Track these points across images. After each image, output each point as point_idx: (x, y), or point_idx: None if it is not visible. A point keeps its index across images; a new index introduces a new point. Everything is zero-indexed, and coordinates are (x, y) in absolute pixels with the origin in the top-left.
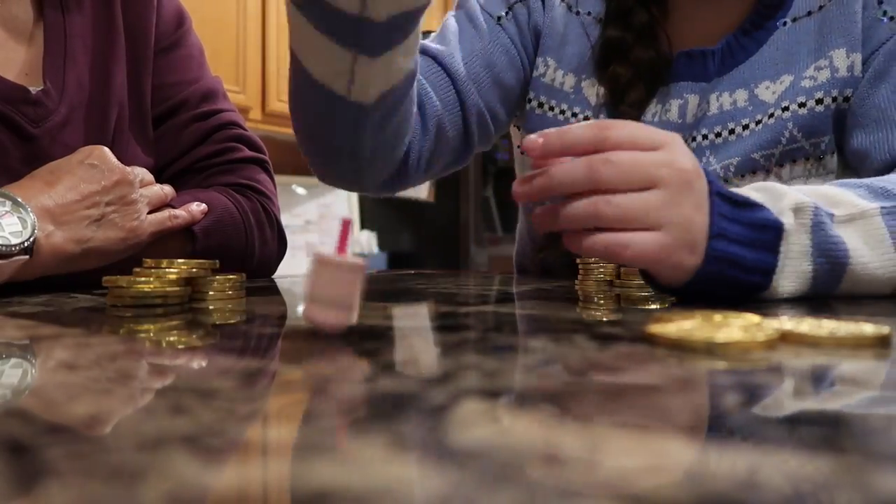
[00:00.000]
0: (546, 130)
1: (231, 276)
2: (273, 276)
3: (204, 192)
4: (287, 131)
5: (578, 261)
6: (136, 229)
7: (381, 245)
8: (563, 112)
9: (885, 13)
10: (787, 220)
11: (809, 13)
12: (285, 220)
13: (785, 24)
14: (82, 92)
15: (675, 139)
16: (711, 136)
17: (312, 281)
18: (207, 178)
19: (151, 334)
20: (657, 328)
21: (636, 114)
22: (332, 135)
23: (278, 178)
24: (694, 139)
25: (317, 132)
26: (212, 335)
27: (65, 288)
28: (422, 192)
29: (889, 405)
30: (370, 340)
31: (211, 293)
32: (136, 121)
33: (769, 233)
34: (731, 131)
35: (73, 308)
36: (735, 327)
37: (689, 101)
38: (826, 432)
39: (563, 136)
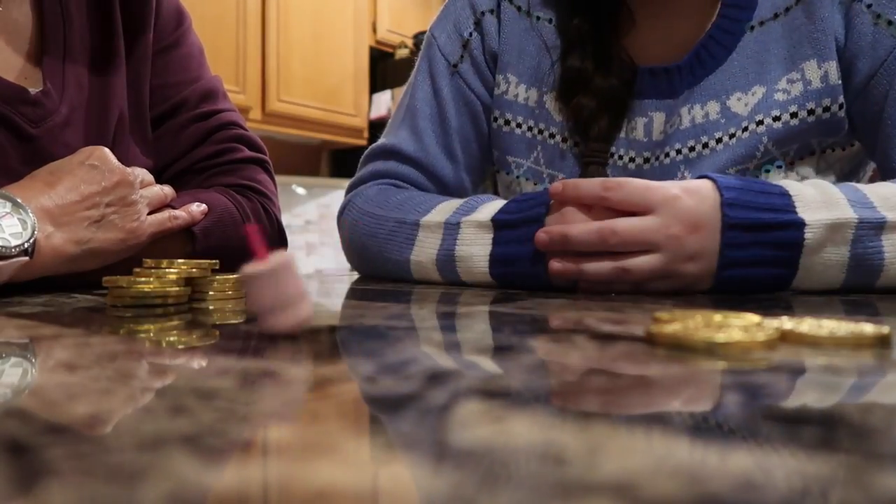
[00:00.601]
0: (566, 182)
1: (231, 276)
2: None
3: (204, 192)
4: (287, 131)
5: None
6: (135, 230)
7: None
8: (530, 129)
9: (878, 17)
10: (812, 235)
11: (775, 15)
12: (285, 220)
13: (752, 28)
14: (82, 93)
15: (669, 201)
16: (685, 151)
17: (253, 297)
18: (208, 179)
19: (151, 334)
20: (657, 328)
21: (605, 147)
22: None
23: (278, 178)
24: (667, 155)
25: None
26: (212, 335)
27: (65, 288)
28: None
29: (888, 405)
30: (370, 340)
31: (211, 293)
32: (135, 121)
33: (787, 250)
34: (705, 145)
35: (73, 308)
36: (735, 328)
37: (654, 119)
38: (826, 432)
39: (577, 189)
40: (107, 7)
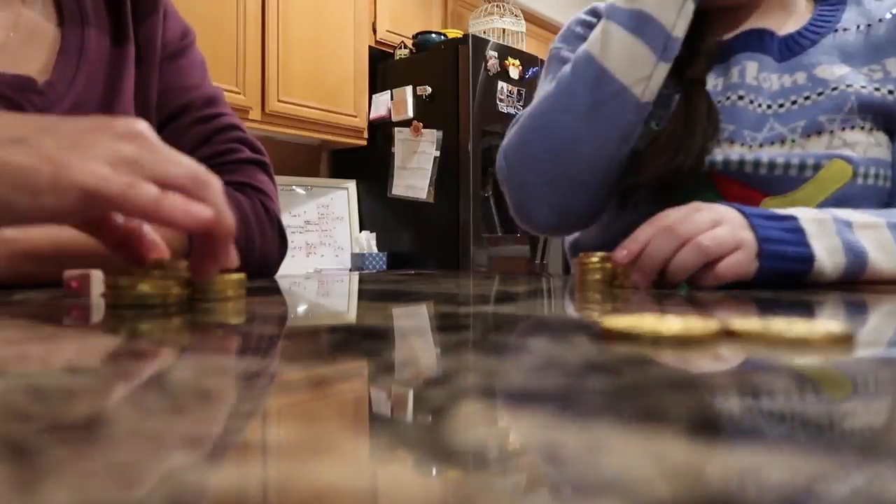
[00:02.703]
0: (626, 246)
1: (231, 276)
2: (273, 277)
3: None
4: (287, 131)
5: (577, 260)
6: (62, 166)
7: (381, 245)
8: None
9: None
10: (808, 226)
11: (858, 26)
12: (285, 220)
13: (836, 31)
14: (92, 91)
15: (724, 215)
16: (775, 107)
17: None
18: None
19: (151, 334)
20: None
21: (705, 70)
22: (610, 148)
23: (278, 179)
24: (759, 105)
25: (571, 153)
26: (212, 335)
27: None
28: (422, 192)
29: (838, 404)
30: (370, 340)
31: (211, 293)
32: None
33: (797, 234)
34: (794, 102)
35: (73, 308)
36: (679, 323)
37: (747, 67)
38: (827, 432)
39: (637, 241)
40: (120, 19)
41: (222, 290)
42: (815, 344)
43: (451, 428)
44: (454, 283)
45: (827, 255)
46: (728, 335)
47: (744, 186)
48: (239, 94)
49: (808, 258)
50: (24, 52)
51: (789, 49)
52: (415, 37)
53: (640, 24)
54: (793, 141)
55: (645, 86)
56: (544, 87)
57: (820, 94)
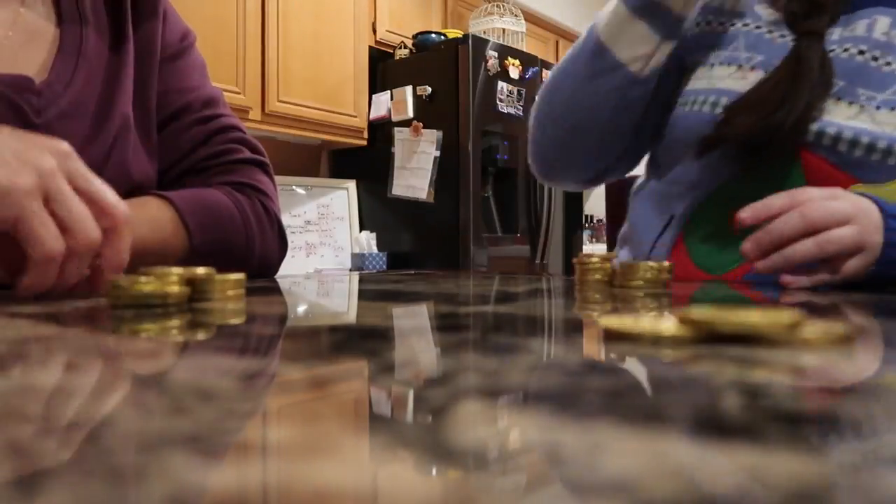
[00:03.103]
0: (755, 209)
1: (231, 276)
2: (273, 277)
3: (204, 190)
4: (287, 131)
5: (576, 260)
6: None
7: (381, 245)
8: (733, 24)
9: None
10: None
11: None
12: (285, 220)
13: None
14: (90, 90)
15: (861, 212)
16: None
17: None
18: (208, 178)
19: (151, 334)
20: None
21: (823, 25)
22: (605, 114)
23: (278, 178)
24: (888, 64)
25: (585, 120)
26: (212, 335)
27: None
28: (422, 192)
29: (856, 402)
30: (370, 340)
31: (211, 293)
32: (141, 126)
33: None
34: None
35: (73, 308)
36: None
37: (877, 21)
38: (827, 432)
39: (768, 208)
40: (119, 20)
41: (222, 290)
42: (814, 344)
43: (451, 428)
44: (454, 283)
45: None
46: (728, 335)
47: (833, 168)
48: (239, 94)
49: None
50: (22, 52)
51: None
52: (415, 37)
53: (646, 6)
54: None
55: (644, 63)
56: None
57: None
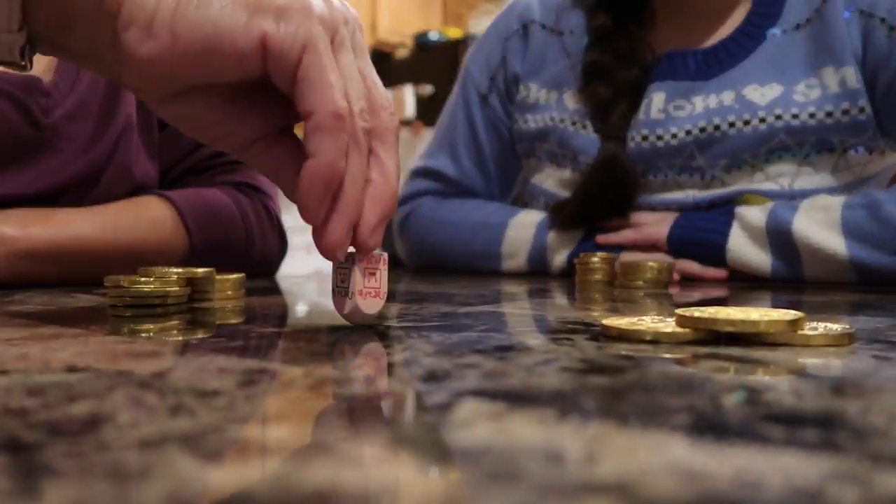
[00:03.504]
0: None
1: (231, 276)
2: (273, 277)
3: (205, 189)
4: None
5: (577, 261)
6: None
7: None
8: (543, 120)
9: (892, 29)
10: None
11: (798, 26)
12: (285, 220)
13: (775, 35)
14: (95, 91)
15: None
16: (696, 132)
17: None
18: (209, 178)
19: (151, 334)
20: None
21: (623, 127)
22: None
23: None
24: (674, 136)
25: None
26: (212, 335)
27: (65, 288)
28: None
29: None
30: (370, 340)
31: (211, 293)
32: (143, 126)
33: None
34: (717, 127)
35: (73, 308)
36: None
37: (653, 100)
38: (827, 432)
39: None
40: None
41: (222, 290)
42: (814, 344)
43: (451, 428)
44: (454, 283)
45: (744, 222)
46: (728, 335)
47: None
48: None
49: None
50: None
51: (718, 62)
52: (415, 36)
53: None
54: (713, 177)
55: (515, 266)
56: (456, 109)
57: (747, 122)
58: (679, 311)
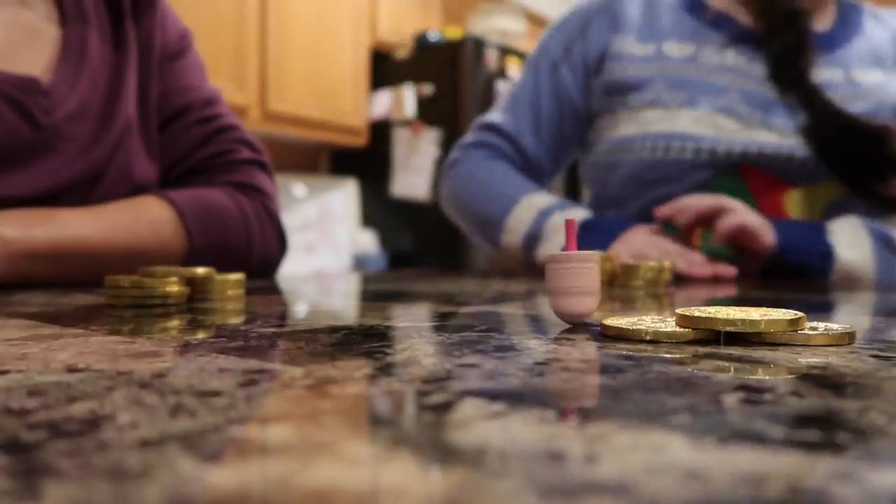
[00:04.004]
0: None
1: (231, 276)
2: (273, 277)
3: (205, 190)
4: (287, 131)
5: None
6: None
7: (381, 245)
8: (646, 69)
9: None
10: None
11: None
12: (285, 220)
13: (864, 35)
14: (95, 91)
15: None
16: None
17: (553, 278)
18: (209, 178)
19: (151, 334)
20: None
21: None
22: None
23: (278, 178)
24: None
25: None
26: (212, 335)
27: (65, 288)
28: (422, 192)
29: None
30: (370, 340)
31: (211, 293)
32: (143, 126)
33: (820, 231)
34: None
35: (73, 308)
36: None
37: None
38: (828, 432)
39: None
40: (120, 21)
41: (222, 290)
42: (814, 344)
43: (451, 428)
44: (454, 283)
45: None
46: (728, 335)
47: (769, 175)
48: (238, 93)
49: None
50: (25, 53)
51: (827, 45)
52: (415, 36)
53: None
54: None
55: (512, 242)
56: (526, 74)
57: (855, 97)
58: (679, 310)
